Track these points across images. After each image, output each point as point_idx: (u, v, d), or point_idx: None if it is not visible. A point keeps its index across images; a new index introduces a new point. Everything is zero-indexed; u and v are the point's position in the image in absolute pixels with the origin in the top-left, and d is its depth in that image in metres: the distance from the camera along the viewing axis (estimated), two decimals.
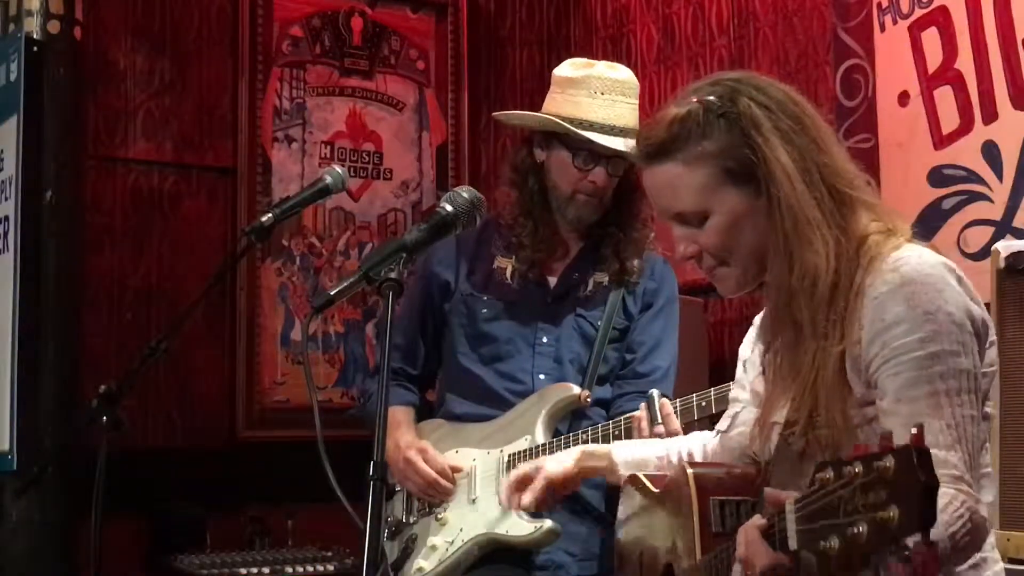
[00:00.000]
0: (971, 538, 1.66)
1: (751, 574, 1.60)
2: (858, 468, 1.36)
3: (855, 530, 1.36)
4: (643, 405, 2.64)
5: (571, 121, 2.80)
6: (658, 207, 1.96)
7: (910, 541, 1.33)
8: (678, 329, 2.97)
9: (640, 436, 2.60)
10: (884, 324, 1.72)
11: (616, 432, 2.68)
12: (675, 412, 2.63)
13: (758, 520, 1.60)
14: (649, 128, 1.91)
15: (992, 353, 1.82)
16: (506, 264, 2.92)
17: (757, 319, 2.09)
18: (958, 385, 1.71)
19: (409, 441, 2.85)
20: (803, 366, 1.79)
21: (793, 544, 1.47)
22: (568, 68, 2.91)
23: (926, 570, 1.35)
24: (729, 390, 2.57)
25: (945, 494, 1.61)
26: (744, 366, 2.11)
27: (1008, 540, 2.60)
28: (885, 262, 1.76)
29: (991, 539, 1.81)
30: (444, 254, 2.93)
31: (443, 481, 2.80)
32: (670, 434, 2.57)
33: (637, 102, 2.88)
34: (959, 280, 1.77)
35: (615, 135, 2.80)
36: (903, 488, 1.32)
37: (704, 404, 2.63)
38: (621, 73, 2.87)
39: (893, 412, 1.71)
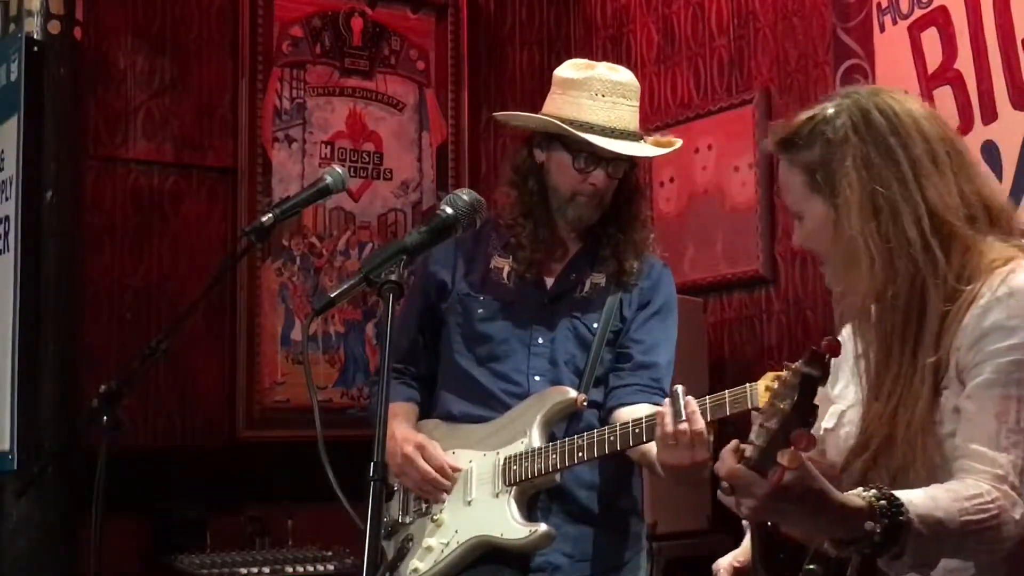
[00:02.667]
0: (991, 535, 1.68)
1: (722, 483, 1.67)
2: (788, 374, 1.58)
3: (771, 424, 1.58)
4: (667, 401, 2.56)
5: (571, 123, 2.80)
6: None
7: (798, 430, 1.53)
8: (676, 332, 2.95)
9: (663, 431, 2.52)
10: (982, 331, 1.78)
11: (612, 438, 2.63)
12: (705, 409, 2.55)
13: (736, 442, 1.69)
14: (787, 121, 1.99)
15: None
16: (503, 264, 2.92)
17: None
18: None
19: (406, 434, 2.84)
20: (890, 381, 1.84)
21: (750, 453, 1.61)
22: (569, 69, 2.91)
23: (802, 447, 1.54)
24: (724, 399, 2.55)
25: (979, 487, 1.68)
26: (840, 364, 2.10)
27: None
28: (997, 275, 1.80)
29: None
30: (441, 254, 2.93)
31: (441, 479, 2.80)
32: (694, 433, 2.50)
33: (638, 104, 2.88)
34: None
35: (616, 137, 2.79)
36: (798, 382, 1.55)
37: (700, 411, 2.53)
38: (622, 75, 2.87)
39: (963, 408, 1.76)
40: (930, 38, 3.73)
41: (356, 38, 4.98)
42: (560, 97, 2.86)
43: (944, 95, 3.58)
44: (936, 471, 1.77)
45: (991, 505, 1.67)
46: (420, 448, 2.81)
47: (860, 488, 1.67)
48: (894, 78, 3.74)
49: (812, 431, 1.57)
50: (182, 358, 4.39)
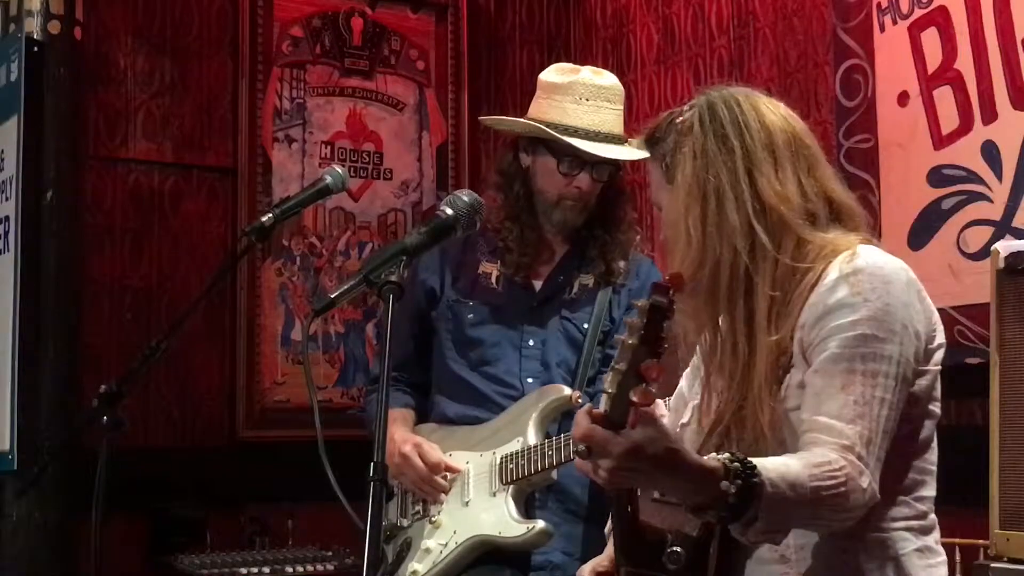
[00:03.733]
0: (840, 502, 1.71)
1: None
2: (635, 316, 1.60)
3: (620, 365, 1.60)
4: None
5: (556, 127, 2.81)
6: None
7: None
8: None
9: None
10: (827, 307, 1.82)
11: None
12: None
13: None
14: (653, 120, 2.07)
15: (937, 356, 1.89)
16: (491, 269, 2.94)
17: None
18: (876, 368, 1.78)
19: (404, 435, 2.86)
20: (734, 359, 1.89)
21: (604, 405, 1.62)
22: (554, 73, 2.92)
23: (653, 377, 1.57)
24: None
25: (826, 455, 1.72)
26: (697, 366, 2.15)
27: (1008, 540, 2.61)
28: (843, 256, 1.86)
29: (935, 534, 1.90)
30: (429, 261, 2.94)
31: (435, 477, 2.80)
32: None
33: (622, 108, 2.90)
34: (910, 281, 1.87)
35: (600, 141, 2.82)
36: (644, 315, 1.58)
37: None
38: (606, 79, 2.89)
39: (809, 383, 1.81)
40: (930, 38, 3.73)
41: (356, 38, 4.98)
42: (545, 101, 2.88)
43: (944, 95, 3.58)
44: (785, 446, 1.81)
45: (839, 472, 1.70)
46: (417, 447, 2.82)
47: (715, 452, 1.70)
48: (894, 78, 3.75)
49: (661, 362, 1.59)
50: (182, 358, 4.39)
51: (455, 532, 2.79)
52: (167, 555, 4.06)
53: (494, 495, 2.78)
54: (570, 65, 2.95)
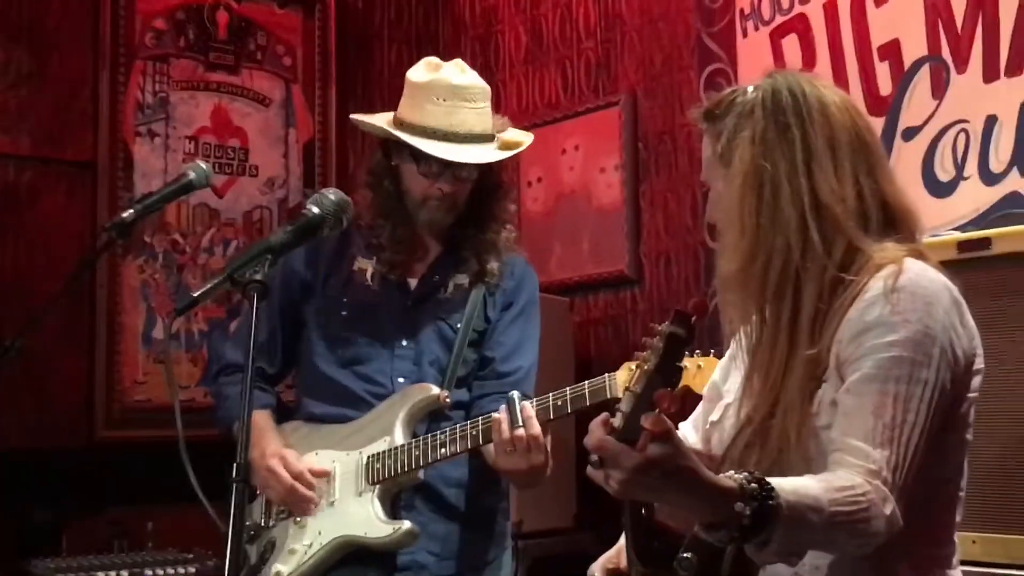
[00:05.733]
0: (860, 528, 1.67)
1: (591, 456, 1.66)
2: (655, 339, 1.59)
3: (636, 388, 1.58)
4: (503, 407, 2.63)
5: (414, 128, 2.79)
6: None
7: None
8: (539, 330, 2.98)
9: (500, 438, 2.60)
10: (865, 325, 1.77)
11: (474, 432, 2.67)
12: (566, 401, 2.62)
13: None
14: (711, 97, 2.02)
15: (976, 381, 1.84)
16: (367, 266, 2.91)
17: None
18: (909, 392, 1.73)
19: (264, 447, 2.81)
20: (771, 366, 1.85)
21: (617, 422, 1.60)
22: (418, 71, 2.89)
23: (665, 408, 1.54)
24: (584, 390, 2.60)
25: (851, 479, 1.68)
26: (733, 357, 2.12)
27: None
28: (887, 271, 1.80)
29: (956, 559, 1.86)
30: (304, 253, 2.89)
31: (300, 487, 2.76)
32: (531, 437, 2.58)
33: (485, 104, 2.85)
34: (954, 302, 1.81)
35: (458, 142, 2.79)
36: (662, 342, 1.56)
37: (560, 404, 2.62)
38: (466, 78, 2.85)
39: (840, 402, 1.76)
40: (790, 44, 3.82)
41: (221, 32, 4.91)
42: (407, 100, 2.86)
43: None
44: (811, 463, 1.77)
45: (862, 498, 1.66)
46: (282, 459, 2.77)
47: (732, 471, 1.66)
48: (756, 82, 3.81)
49: (677, 392, 1.57)
50: (39, 357, 4.26)
51: (320, 532, 2.76)
52: (22, 560, 3.95)
53: (360, 495, 2.76)
54: (436, 61, 2.91)
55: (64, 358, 4.43)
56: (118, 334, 4.56)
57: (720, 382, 2.13)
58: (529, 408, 2.61)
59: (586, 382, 2.61)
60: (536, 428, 2.60)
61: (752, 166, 1.86)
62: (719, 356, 2.24)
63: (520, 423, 2.59)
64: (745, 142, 1.87)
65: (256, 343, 2.88)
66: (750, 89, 1.94)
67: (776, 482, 1.63)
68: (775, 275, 1.84)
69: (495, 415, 2.64)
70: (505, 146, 2.87)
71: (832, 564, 1.80)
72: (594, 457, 1.62)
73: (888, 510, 1.68)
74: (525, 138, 2.93)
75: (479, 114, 2.83)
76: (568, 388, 2.63)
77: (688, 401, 1.77)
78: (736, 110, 1.92)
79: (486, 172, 2.87)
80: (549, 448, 2.65)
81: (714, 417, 2.06)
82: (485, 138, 2.84)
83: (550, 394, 2.65)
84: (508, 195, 3.02)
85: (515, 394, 2.64)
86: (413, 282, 2.91)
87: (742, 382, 1.98)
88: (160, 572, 3.91)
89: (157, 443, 3.82)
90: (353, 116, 3.06)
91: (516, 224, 3.10)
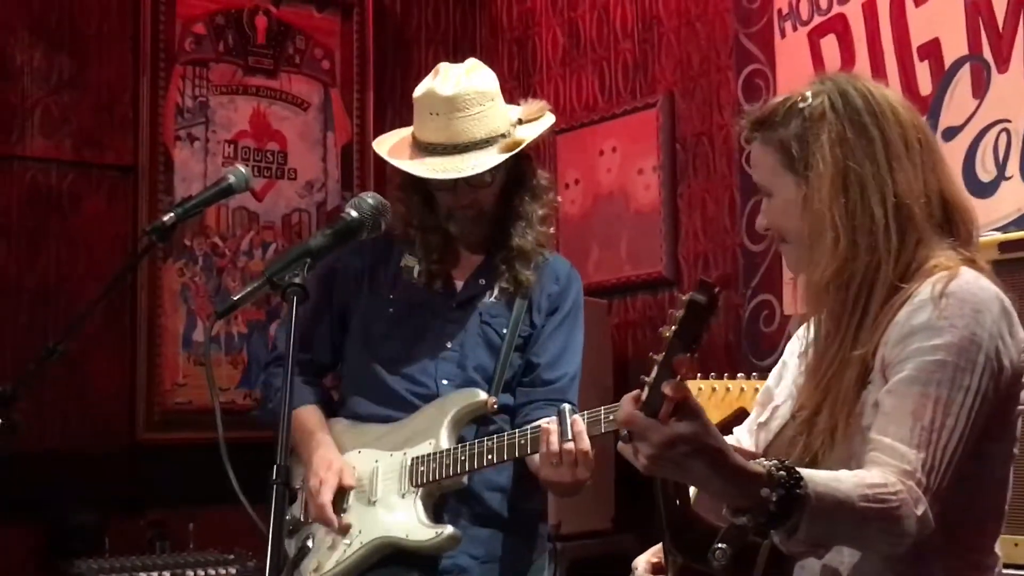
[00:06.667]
0: (890, 527, 1.67)
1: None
2: (679, 309, 1.58)
3: (658, 357, 1.58)
4: (554, 419, 2.59)
5: (418, 144, 2.79)
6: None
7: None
8: (583, 334, 2.96)
9: (548, 450, 2.56)
10: (911, 328, 1.77)
11: (523, 442, 2.64)
12: (599, 420, 2.57)
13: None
14: (762, 104, 2.02)
15: None
16: (413, 263, 2.90)
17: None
18: (950, 397, 1.72)
19: (319, 460, 2.77)
20: (824, 364, 1.84)
21: (643, 394, 1.60)
22: (424, 81, 2.86)
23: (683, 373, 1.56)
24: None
25: (885, 478, 1.67)
26: (785, 362, 2.12)
27: (1016, 545, 2.59)
28: (937, 277, 1.79)
29: (998, 569, 1.85)
30: (357, 246, 2.86)
31: (326, 515, 2.71)
32: (579, 452, 2.54)
33: (483, 108, 2.77)
34: (1004, 311, 1.80)
35: (460, 152, 2.75)
36: (683, 309, 1.56)
37: (612, 418, 2.55)
38: (454, 87, 2.77)
39: (881, 402, 1.76)
40: (829, 44, 3.80)
41: (260, 36, 4.94)
42: (415, 114, 2.85)
43: None
44: (851, 461, 1.76)
45: (893, 497, 1.65)
46: (324, 483, 2.74)
47: (763, 458, 1.66)
48: (794, 83, 3.75)
49: (693, 357, 1.57)
50: (81, 360, 4.30)
51: (360, 531, 2.75)
52: (64, 561, 3.98)
53: (403, 496, 2.75)
54: (442, 67, 2.86)
55: (105, 361, 4.46)
56: (158, 337, 4.59)
57: (773, 386, 2.13)
58: (580, 422, 2.56)
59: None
60: (586, 443, 2.55)
61: (835, 168, 1.85)
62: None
63: (570, 437, 2.55)
64: (824, 145, 1.86)
65: (312, 333, 2.91)
66: (809, 93, 1.92)
67: (807, 473, 1.62)
68: (859, 277, 1.83)
69: (544, 424, 2.60)
70: (506, 148, 2.79)
71: (866, 563, 1.78)
72: (624, 432, 1.63)
73: (920, 511, 1.67)
74: (528, 134, 2.83)
75: (477, 120, 2.77)
76: (603, 408, 2.57)
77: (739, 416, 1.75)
78: (801, 114, 1.90)
79: (508, 172, 2.84)
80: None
81: (763, 419, 2.06)
82: (489, 141, 2.78)
83: (601, 408, 2.59)
84: (537, 193, 2.90)
85: (566, 407, 2.60)
86: (459, 284, 2.90)
87: (793, 382, 1.98)
88: (201, 573, 3.93)
89: (198, 445, 3.85)
90: (375, 141, 3.04)
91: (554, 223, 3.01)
